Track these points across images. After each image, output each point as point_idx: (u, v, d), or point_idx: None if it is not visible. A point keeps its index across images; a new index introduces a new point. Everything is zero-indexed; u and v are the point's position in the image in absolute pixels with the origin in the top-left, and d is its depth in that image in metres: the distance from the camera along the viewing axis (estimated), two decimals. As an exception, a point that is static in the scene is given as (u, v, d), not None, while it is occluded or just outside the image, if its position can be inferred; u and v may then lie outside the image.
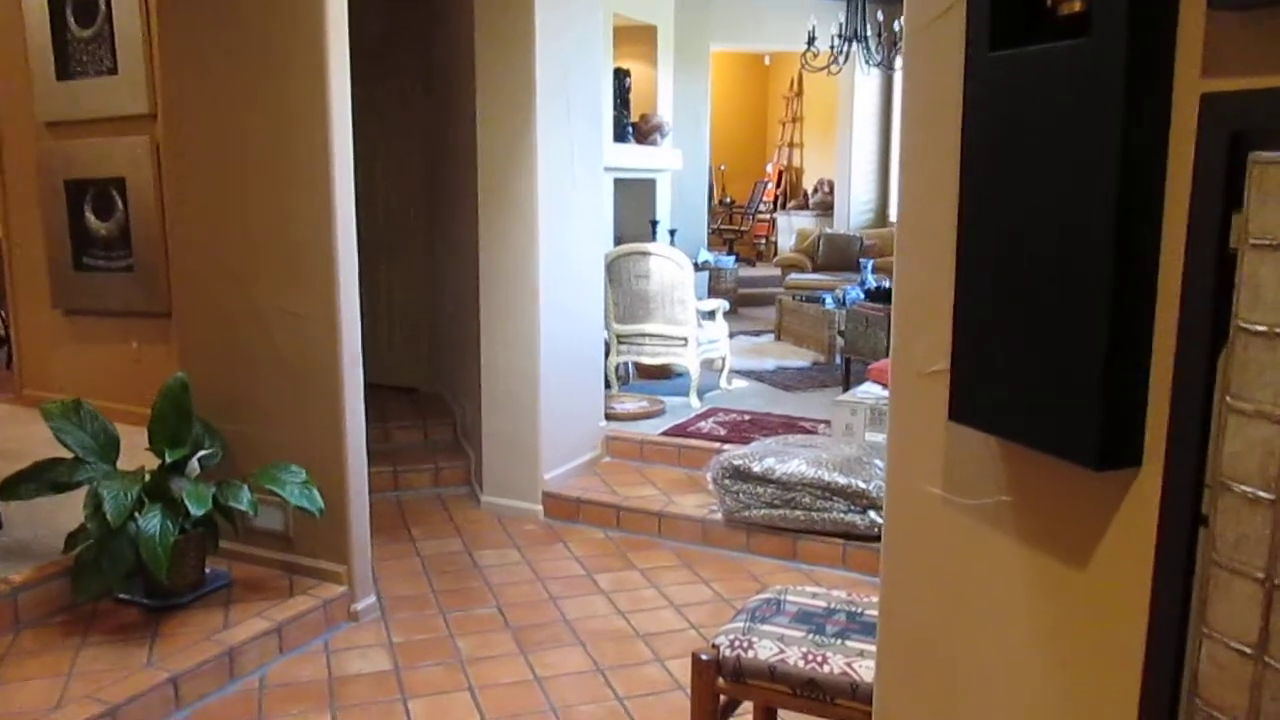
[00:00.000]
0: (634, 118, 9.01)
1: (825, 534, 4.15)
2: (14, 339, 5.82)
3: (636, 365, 6.16)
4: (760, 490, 4.22)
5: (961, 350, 1.35)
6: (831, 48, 7.57)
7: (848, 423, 4.82)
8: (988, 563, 1.48)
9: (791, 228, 11.87)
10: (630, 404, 5.65)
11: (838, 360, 7.08)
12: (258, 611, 3.33)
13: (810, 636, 2.35)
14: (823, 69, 7.63)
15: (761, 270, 11.43)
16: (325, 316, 3.44)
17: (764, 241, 12.70)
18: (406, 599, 3.77)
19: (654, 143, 9.41)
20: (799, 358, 7.25)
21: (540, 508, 4.70)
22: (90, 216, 5.15)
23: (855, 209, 10.89)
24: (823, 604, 2.58)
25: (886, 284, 6.11)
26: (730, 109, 11.97)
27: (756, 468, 4.21)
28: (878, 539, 4.16)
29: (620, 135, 8.12)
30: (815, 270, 9.53)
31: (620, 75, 8.42)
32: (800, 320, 7.63)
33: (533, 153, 4.51)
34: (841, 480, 4.09)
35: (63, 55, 5.08)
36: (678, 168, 9.71)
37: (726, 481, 4.29)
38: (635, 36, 9.20)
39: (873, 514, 4.06)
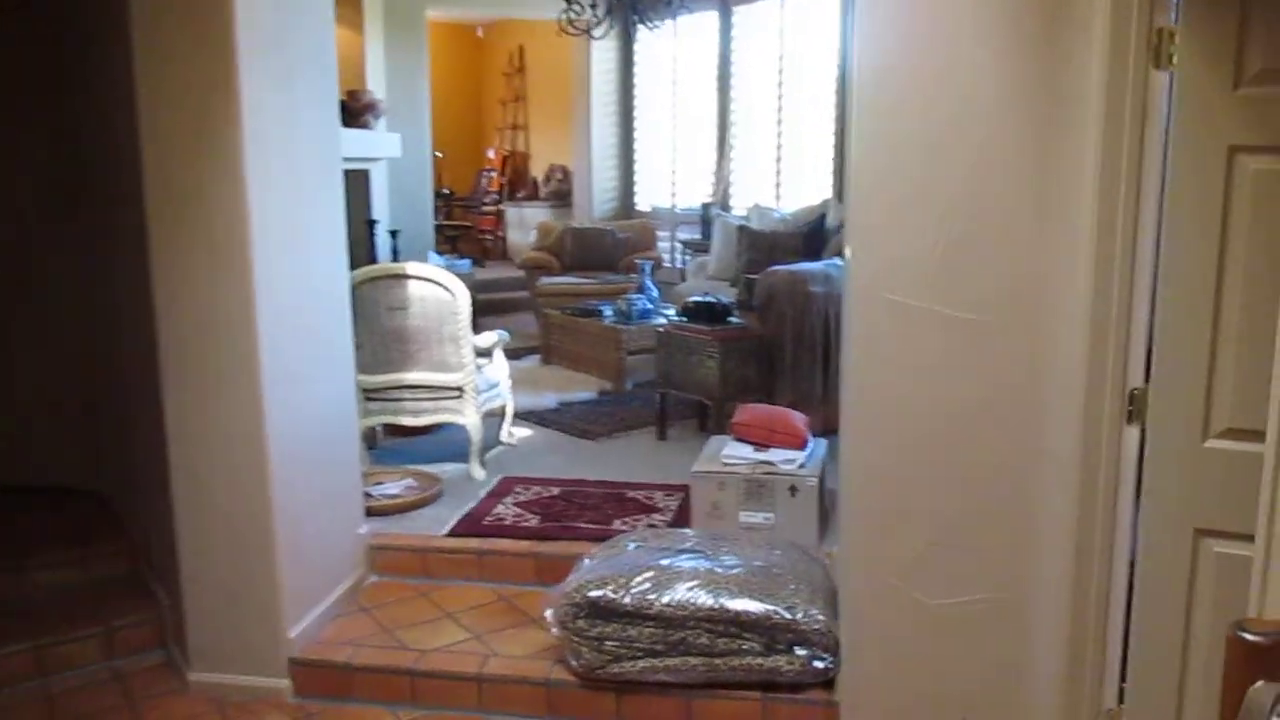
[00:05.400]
0: (341, 95, 7.28)
1: (735, 686, 2.86)
2: None
3: (388, 425, 4.57)
4: (634, 632, 2.86)
5: None
6: (594, 6, 6.24)
7: (714, 500, 3.56)
8: None
9: (524, 221, 10.48)
10: (393, 485, 4.09)
11: (629, 386, 5.84)
12: None
13: None
14: (583, 32, 6.29)
15: (495, 271, 9.95)
16: None
17: (491, 237, 11.21)
18: None
19: (366, 125, 7.71)
20: (582, 386, 5.91)
21: (287, 683, 3.08)
22: None
23: (598, 199, 9.67)
24: None
25: (710, 298, 4.89)
26: (443, 88, 10.34)
27: (627, 600, 2.85)
28: (810, 686, 2.93)
29: (326, 117, 6.38)
30: (566, 271, 8.20)
31: (322, 41, 6.66)
32: (576, 339, 6.29)
33: (237, 139, 2.87)
34: (755, 609, 2.82)
35: None
36: (396, 155, 8.09)
37: (581, 624, 2.90)
38: (335, -5, 7.45)
39: (800, 650, 2.83)
